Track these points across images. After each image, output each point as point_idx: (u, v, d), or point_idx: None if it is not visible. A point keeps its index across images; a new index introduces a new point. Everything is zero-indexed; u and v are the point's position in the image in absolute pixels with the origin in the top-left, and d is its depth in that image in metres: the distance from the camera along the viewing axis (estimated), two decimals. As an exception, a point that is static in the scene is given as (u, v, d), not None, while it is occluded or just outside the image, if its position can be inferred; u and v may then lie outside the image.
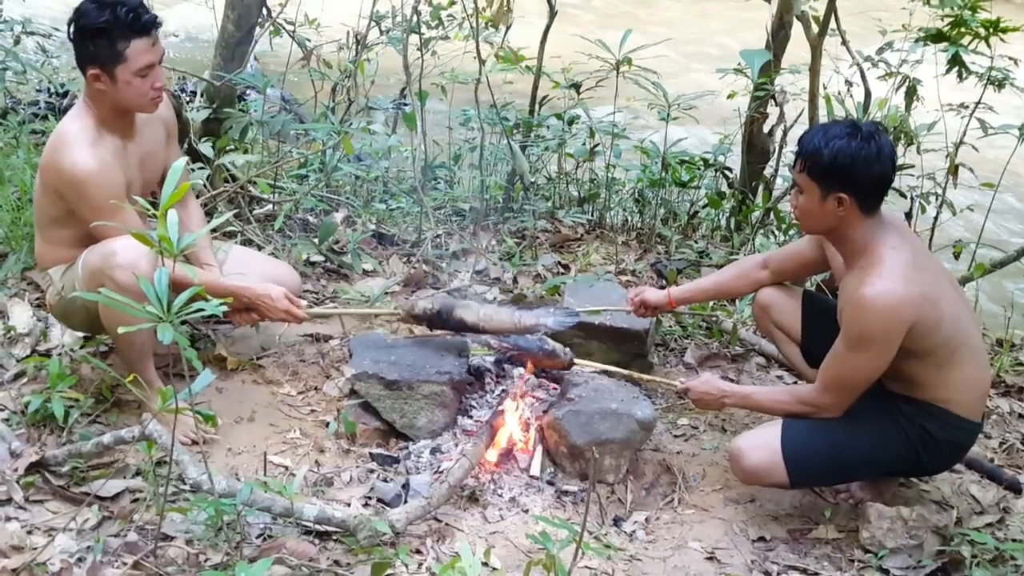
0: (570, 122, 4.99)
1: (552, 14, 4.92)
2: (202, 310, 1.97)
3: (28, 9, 5.94)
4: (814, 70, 4.37)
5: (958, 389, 2.73)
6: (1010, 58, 4.17)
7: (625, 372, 3.25)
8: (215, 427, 2.32)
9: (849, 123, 2.69)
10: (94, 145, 2.77)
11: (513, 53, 4.82)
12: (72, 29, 2.75)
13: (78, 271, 2.82)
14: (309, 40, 4.62)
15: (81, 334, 3.24)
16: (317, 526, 2.54)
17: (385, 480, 2.89)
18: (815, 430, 2.80)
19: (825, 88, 4.55)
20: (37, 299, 3.47)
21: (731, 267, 3.34)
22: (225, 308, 1.99)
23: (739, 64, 4.75)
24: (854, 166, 2.58)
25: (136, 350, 2.85)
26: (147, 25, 2.75)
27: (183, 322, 2.11)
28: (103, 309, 2.74)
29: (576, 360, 3.23)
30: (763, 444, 2.83)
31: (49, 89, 5.52)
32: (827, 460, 2.80)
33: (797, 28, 4.89)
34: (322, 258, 4.11)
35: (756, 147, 5.07)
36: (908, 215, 4.46)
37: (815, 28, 4.32)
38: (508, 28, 4.86)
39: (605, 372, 3.22)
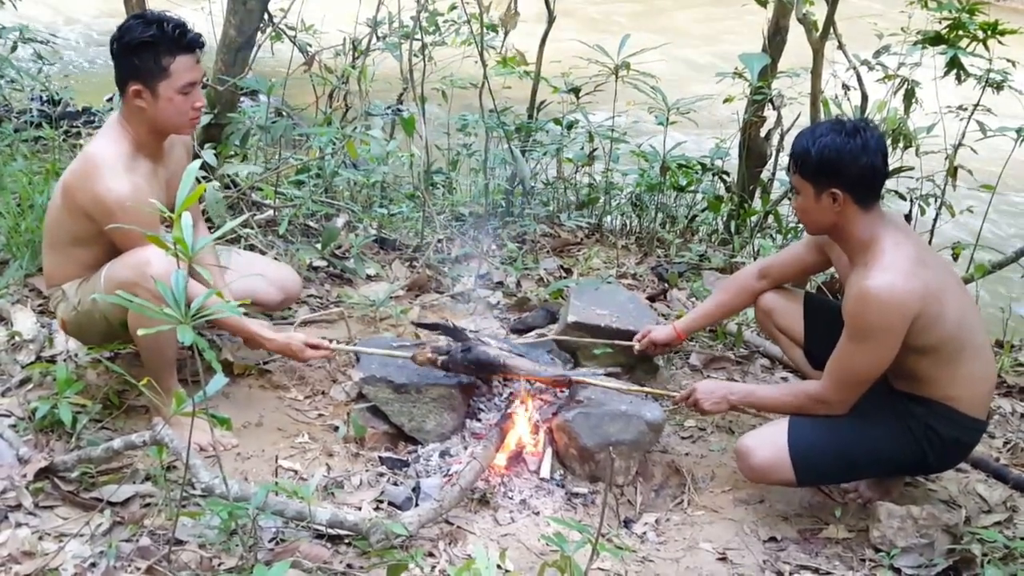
0: (569, 127, 5.00)
1: (551, 19, 4.94)
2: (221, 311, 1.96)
3: (21, 17, 5.91)
4: (816, 73, 4.39)
5: (964, 387, 2.75)
6: (1008, 60, 4.20)
7: (621, 385, 3.15)
8: (229, 429, 2.31)
9: (837, 121, 2.74)
10: (129, 170, 2.75)
11: (521, 55, 4.83)
12: (116, 45, 2.74)
13: (99, 283, 2.78)
14: (310, 45, 4.62)
15: (86, 340, 3.24)
16: (329, 530, 2.53)
17: (395, 483, 2.88)
18: (822, 427, 2.81)
19: (823, 92, 4.58)
20: (40, 305, 3.45)
21: (728, 285, 3.33)
22: (244, 310, 1.98)
23: (737, 68, 4.78)
24: (841, 160, 2.62)
25: (163, 358, 2.84)
26: (192, 43, 2.76)
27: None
28: (133, 318, 2.72)
29: (573, 378, 3.15)
30: (770, 442, 2.83)
31: (42, 97, 5.51)
32: (834, 457, 2.81)
33: (792, 33, 4.93)
34: (325, 263, 4.10)
35: (754, 151, 5.10)
36: (908, 217, 4.48)
37: (816, 32, 4.34)
38: (507, 33, 4.89)
39: (605, 384, 3.16)
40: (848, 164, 2.62)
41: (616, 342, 3.39)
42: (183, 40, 2.73)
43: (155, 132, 2.83)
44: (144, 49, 2.70)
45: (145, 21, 2.72)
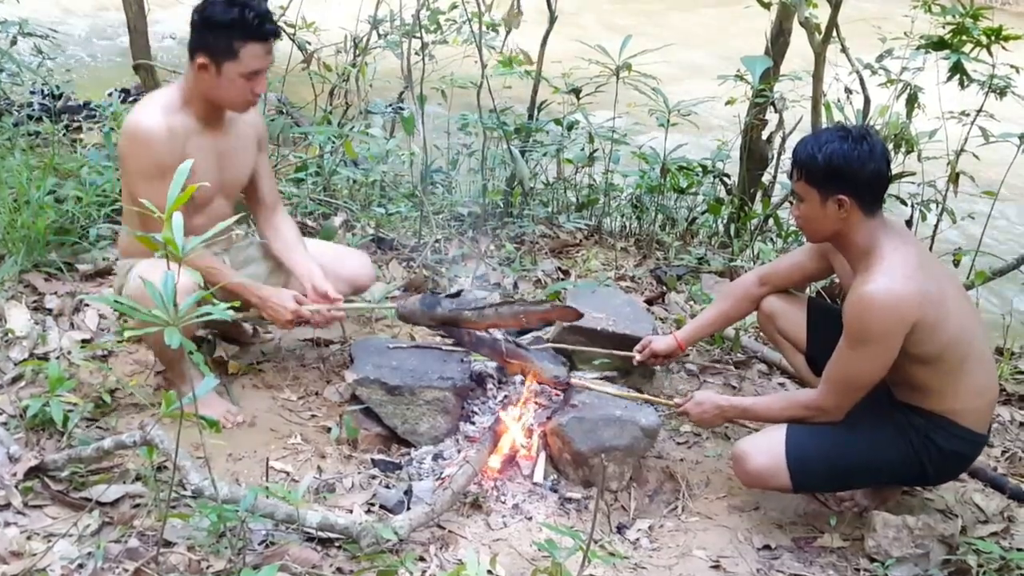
0: (569, 127, 4.98)
1: (552, 19, 4.92)
2: (209, 314, 1.94)
3: (24, 11, 5.89)
4: (817, 76, 4.37)
5: (966, 400, 2.73)
6: (1012, 66, 4.17)
7: (617, 391, 3.12)
8: (218, 432, 2.30)
9: (839, 127, 2.72)
10: (170, 114, 2.78)
11: (525, 55, 4.81)
12: (196, 16, 2.77)
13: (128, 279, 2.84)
14: (309, 43, 4.60)
15: (79, 338, 3.26)
16: (320, 533, 2.51)
17: (387, 486, 2.85)
18: (820, 435, 2.79)
19: (825, 95, 4.56)
20: (34, 302, 3.44)
21: (729, 292, 3.30)
22: (232, 313, 1.96)
23: (739, 71, 4.76)
24: (849, 166, 2.60)
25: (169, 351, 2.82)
26: (268, 34, 2.79)
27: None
28: None
29: (572, 381, 3.14)
30: (767, 448, 2.82)
31: (43, 91, 5.50)
32: (830, 465, 2.80)
33: (794, 36, 4.91)
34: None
35: (755, 154, 5.09)
36: (909, 223, 4.46)
37: (818, 35, 4.31)
38: (509, 32, 4.87)
39: (602, 390, 3.12)
40: (856, 170, 2.60)
41: (615, 352, 3.35)
42: (260, 30, 2.75)
43: (209, 103, 2.86)
44: (220, 29, 2.73)
45: (229, 2, 2.73)
